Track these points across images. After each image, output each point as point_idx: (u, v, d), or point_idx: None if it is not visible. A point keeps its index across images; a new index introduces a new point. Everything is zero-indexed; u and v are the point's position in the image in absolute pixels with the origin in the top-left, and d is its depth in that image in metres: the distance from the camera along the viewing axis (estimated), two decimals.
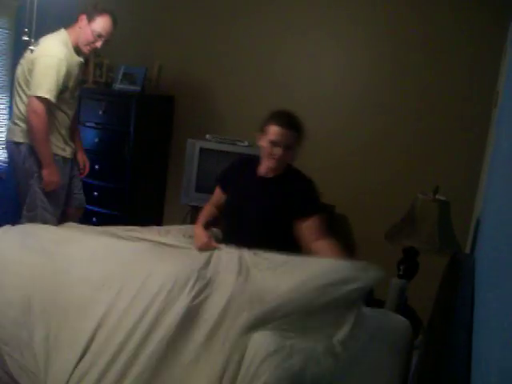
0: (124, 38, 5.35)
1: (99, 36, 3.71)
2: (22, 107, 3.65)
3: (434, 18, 4.23)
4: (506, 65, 3.24)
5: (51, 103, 3.55)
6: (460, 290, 2.28)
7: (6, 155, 5.14)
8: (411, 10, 4.29)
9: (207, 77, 5.13)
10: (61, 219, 3.87)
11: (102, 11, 3.69)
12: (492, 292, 1.45)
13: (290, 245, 2.96)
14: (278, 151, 2.99)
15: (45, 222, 3.64)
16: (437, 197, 3.39)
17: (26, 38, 2.80)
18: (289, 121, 3.01)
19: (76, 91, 3.91)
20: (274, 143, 3.00)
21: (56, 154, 3.78)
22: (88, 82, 5.18)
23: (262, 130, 3.09)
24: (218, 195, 3.38)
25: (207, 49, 5.10)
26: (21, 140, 3.70)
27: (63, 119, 3.83)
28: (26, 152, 3.70)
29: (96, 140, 4.95)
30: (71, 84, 3.74)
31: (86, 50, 3.77)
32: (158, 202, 5.41)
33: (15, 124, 3.72)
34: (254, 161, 3.23)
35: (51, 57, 3.52)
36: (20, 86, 3.66)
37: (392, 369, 2.25)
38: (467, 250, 3.62)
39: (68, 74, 3.64)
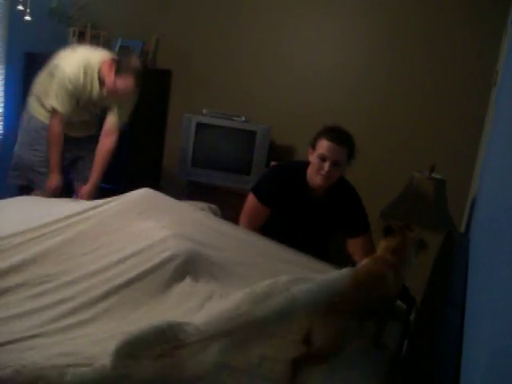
0: (121, 11, 5.32)
1: (118, 91, 3.75)
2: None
3: None
4: (506, 44, 3.22)
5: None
6: (454, 269, 2.29)
7: (2, 128, 5.14)
8: None
9: (205, 51, 5.08)
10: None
11: (129, 71, 3.71)
12: (485, 271, 1.46)
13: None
14: (326, 167, 2.91)
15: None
16: (433, 175, 3.38)
17: (21, 8, 2.77)
18: (339, 136, 2.93)
19: (91, 107, 3.99)
20: (322, 158, 2.92)
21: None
22: None
23: (313, 145, 3.00)
24: (255, 206, 3.13)
25: (205, 23, 5.05)
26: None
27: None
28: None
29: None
30: (82, 101, 3.84)
31: (105, 92, 3.82)
32: (154, 177, 5.39)
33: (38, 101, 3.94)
34: (300, 174, 3.05)
35: (63, 74, 3.76)
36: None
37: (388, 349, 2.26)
38: (462, 230, 3.63)
39: (77, 93, 3.76)
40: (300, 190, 3.04)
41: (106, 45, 5.18)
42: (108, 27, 5.23)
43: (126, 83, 3.71)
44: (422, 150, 4.31)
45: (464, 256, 2.43)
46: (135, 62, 3.77)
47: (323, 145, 2.92)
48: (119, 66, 3.71)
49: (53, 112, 3.77)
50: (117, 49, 5.04)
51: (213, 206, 3.37)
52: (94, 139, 4.06)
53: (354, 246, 3.03)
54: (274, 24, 4.77)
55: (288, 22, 4.73)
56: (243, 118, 4.59)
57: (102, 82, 3.78)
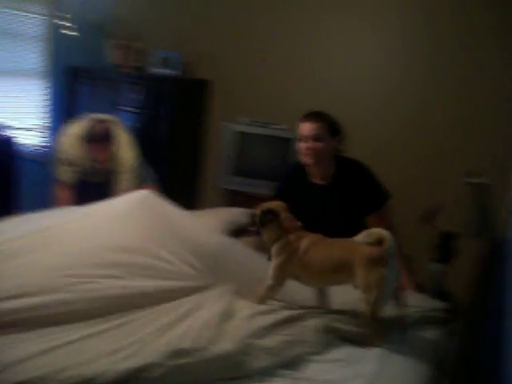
0: (160, 23, 5.39)
1: (94, 159, 3.93)
2: None
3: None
4: None
5: None
6: (498, 276, 2.26)
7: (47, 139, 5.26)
8: None
9: (242, 60, 5.11)
10: None
11: (93, 138, 3.85)
12: None
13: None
14: (308, 145, 3.01)
15: None
16: (474, 180, 3.34)
17: (65, 24, 2.84)
18: (311, 114, 3.05)
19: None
20: (304, 139, 3.03)
21: None
22: (125, 67, 5.23)
23: (298, 136, 3.12)
24: None
25: (242, 32, 5.08)
26: None
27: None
28: None
29: (133, 124, 4.99)
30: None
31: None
32: (194, 186, 5.43)
33: None
34: (300, 168, 3.17)
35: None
36: None
37: (428, 352, 2.25)
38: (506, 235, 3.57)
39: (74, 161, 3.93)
40: (302, 180, 3.15)
41: (146, 56, 5.27)
42: (147, 39, 5.31)
43: (93, 150, 3.85)
44: (462, 154, 4.25)
45: (508, 261, 2.39)
46: (98, 127, 3.84)
47: (301, 128, 3.06)
48: (85, 135, 3.85)
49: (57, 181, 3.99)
50: (156, 60, 5.12)
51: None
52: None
53: (371, 222, 3.03)
54: (311, 32, 4.76)
55: (325, 31, 4.71)
56: (282, 126, 4.60)
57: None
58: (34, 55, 5.05)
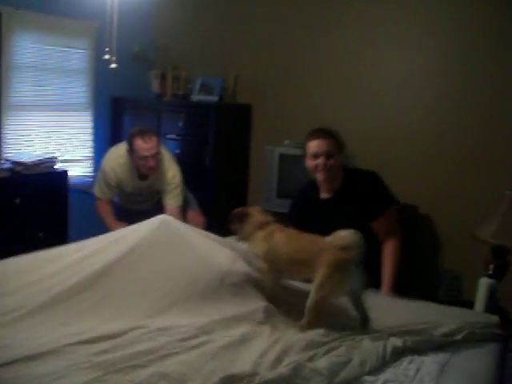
0: (200, 50, 5.46)
1: (145, 157, 3.86)
2: None
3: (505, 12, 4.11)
4: None
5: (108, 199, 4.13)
6: None
7: (92, 169, 5.35)
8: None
9: (282, 83, 5.13)
10: None
11: (136, 137, 3.87)
12: None
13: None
14: (321, 161, 3.04)
15: None
16: None
17: (107, 57, 2.89)
18: (321, 132, 3.12)
19: (140, 196, 4.19)
20: (315, 156, 3.07)
21: None
22: (167, 96, 5.30)
23: (304, 153, 3.18)
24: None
25: (281, 56, 5.11)
26: None
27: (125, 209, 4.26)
28: None
29: (177, 151, 5.04)
30: (126, 190, 4.10)
31: (145, 172, 3.99)
32: None
33: None
34: (311, 185, 3.25)
35: (105, 162, 4.09)
36: None
37: (485, 370, 2.19)
38: None
39: (119, 183, 4.04)
40: (313, 198, 3.21)
41: (187, 84, 5.34)
42: (188, 67, 5.38)
43: (139, 162, 3.88)
44: (502, 169, 4.18)
45: None
46: (140, 143, 3.84)
47: (311, 145, 3.11)
48: (129, 149, 3.92)
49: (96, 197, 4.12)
50: (198, 87, 5.18)
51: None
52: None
53: (376, 227, 3.06)
54: (351, 52, 4.77)
55: (364, 51, 4.71)
56: None
57: (142, 175, 4.03)
58: (79, 88, 5.16)
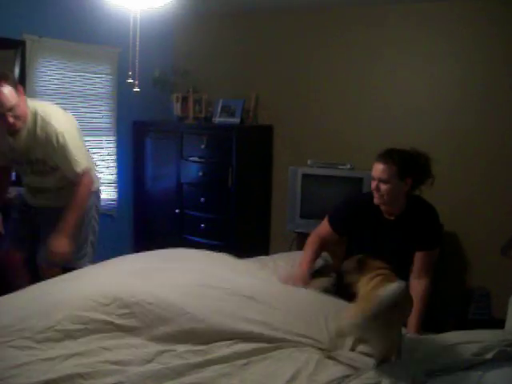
0: (220, 73, 5.51)
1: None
2: None
3: None
4: None
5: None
6: None
7: (115, 193, 5.38)
8: None
9: (303, 103, 5.14)
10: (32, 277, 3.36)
11: None
12: None
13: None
14: (376, 186, 2.97)
15: None
16: None
17: (131, 81, 2.91)
18: (384, 155, 2.99)
19: (24, 165, 3.37)
20: (372, 178, 3.01)
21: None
22: (188, 119, 5.34)
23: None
24: (329, 232, 3.23)
25: (301, 76, 5.13)
26: None
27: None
28: None
29: (200, 173, 5.07)
30: (2, 150, 3.33)
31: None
32: (263, 230, 5.44)
33: None
34: (371, 201, 3.09)
35: None
36: None
37: None
38: None
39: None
40: (373, 215, 3.08)
41: (209, 106, 5.37)
42: (209, 89, 5.42)
43: None
44: None
45: None
46: None
47: (373, 167, 3.01)
48: None
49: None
50: (219, 109, 5.21)
51: (323, 253, 3.38)
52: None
53: (416, 260, 3.03)
54: (369, 72, 4.78)
55: (383, 70, 4.72)
56: (348, 166, 4.57)
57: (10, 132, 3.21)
58: (102, 113, 5.21)
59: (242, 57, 5.44)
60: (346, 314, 2.25)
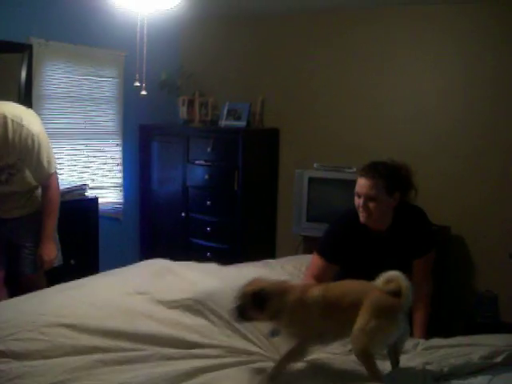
0: (227, 76, 5.50)
1: None
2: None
3: None
4: None
5: None
6: None
7: (122, 196, 5.38)
8: None
9: (309, 106, 5.13)
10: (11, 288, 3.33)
11: None
12: None
13: None
14: (362, 203, 2.82)
15: None
16: None
17: (138, 84, 2.91)
18: (370, 170, 2.83)
19: None
20: (357, 195, 2.86)
21: None
22: (195, 122, 5.34)
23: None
24: (323, 266, 2.98)
25: (307, 79, 5.12)
26: None
27: None
28: None
29: (206, 177, 5.06)
30: None
31: None
32: (269, 234, 5.43)
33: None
34: (357, 220, 2.93)
35: None
36: None
37: None
38: None
39: None
40: (362, 234, 2.92)
41: (215, 110, 5.37)
42: (215, 92, 5.42)
43: None
44: None
45: None
46: None
47: (357, 182, 2.87)
48: None
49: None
50: (225, 112, 5.20)
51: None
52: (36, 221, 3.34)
53: (415, 266, 2.94)
54: (376, 75, 4.76)
55: (390, 73, 4.71)
56: (354, 169, 4.55)
57: None
58: (108, 116, 5.22)
59: (248, 60, 5.44)
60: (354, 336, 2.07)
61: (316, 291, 2.14)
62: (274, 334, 2.24)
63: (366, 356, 2.05)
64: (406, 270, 2.86)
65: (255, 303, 2.05)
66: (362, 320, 2.05)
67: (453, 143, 4.48)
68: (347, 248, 2.95)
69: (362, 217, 2.86)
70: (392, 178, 2.82)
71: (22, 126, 3.02)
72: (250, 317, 2.11)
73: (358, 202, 2.84)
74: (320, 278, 2.91)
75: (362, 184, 2.81)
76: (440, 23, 4.46)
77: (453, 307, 4.28)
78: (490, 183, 4.34)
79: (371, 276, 2.60)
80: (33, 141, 3.06)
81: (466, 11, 4.33)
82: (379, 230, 2.91)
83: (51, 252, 3.32)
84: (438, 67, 4.52)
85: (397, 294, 2.08)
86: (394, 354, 2.20)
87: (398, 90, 4.70)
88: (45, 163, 3.18)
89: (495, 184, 4.32)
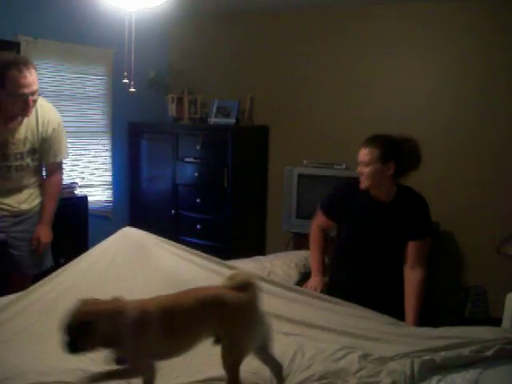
0: (215, 74, 5.50)
1: (23, 95, 2.99)
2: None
3: None
4: None
5: None
6: None
7: (111, 194, 5.37)
8: None
9: (298, 104, 5.15)
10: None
11: (10, 69, 2.95)
12: None
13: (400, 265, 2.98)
14: (358, 169, 3.01)
15: None
16: None
17: (127, 81, 2.90)
18: (369, 139, 3.01)
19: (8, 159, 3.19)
20: (359, 163, 3.02)
21: None
22: (184, 119, 5.33)
23: None
24: (323, 220, 3.26)
25: (296, 77, 5.14)
26: None
27: None
28: None
29: (195, 174, 5.06)
30: None
31: (18, 113, 3.09)
32: (259, 231, 5.44)
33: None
34: (358, 186, 3.10)
35: None
36: None
37: None
38: None
39: None
40: (363, 199, 3.06)
41: (204, 107, 5.37)
42: (204, 90, 5.42)
43: (12, 100, 2.98)
44: None
45: None
46: (17, 76, 2.94)
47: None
48: None
49: None
50: (214, 110, 5.20)
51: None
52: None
53: (409, 249, 2.99)
54: (365, 72, 4.79)
55: (379, 70, 4.73)
56: (344, 166, 4.57)
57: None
58: (97, 115, 5.21)
59: (237, 57, 5.44)
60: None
61: (152, 307, 1.92)
62: (118, 361, 1.95)
63: (236, 367, 1.93)
64: (396, 245, 2.98)
65: (85, 334, 1.80)
66: (224, 331, 1.93)
67: (443, 141, 4.50)
68: (345, 208, 3.12)
69: (360, 182, 3.01)
70: (387, 147, 2.96)
71: (50, 110, 3.28)
72: (83, 349, 1.85)
73: (358, 169, 3.02)
74: (323, 228, 3.27)
75: (360, 152, 3.00)
76: (432, 21, 4.49)
77: (442, 302, 4.30)
78: (480, 181, 4.38)
79: (365, 239, 2.94)
80: (58, 127, 3.30)
81: (459, 9, 4.36)
82: (381, 201, 3.03)
83: (48, 235, 3.39)
84: (430, 65, 4.55)
85: (243, 288, 1.96)
86: (270, 358, 2.07)
87: (389, 87, 4.73)
88: (63, 149, 3.38)
89: (484, 181, 4.36)
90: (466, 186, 4.43)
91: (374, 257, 3.01)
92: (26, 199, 3.32)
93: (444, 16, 4.43)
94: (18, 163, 3.20)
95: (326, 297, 2.90)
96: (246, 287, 1.95)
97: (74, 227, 4.55)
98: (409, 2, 4.49)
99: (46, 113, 3.23)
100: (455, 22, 4.41)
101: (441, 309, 4.25)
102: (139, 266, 2.88)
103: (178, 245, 3.21)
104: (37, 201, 3.38)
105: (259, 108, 5.33)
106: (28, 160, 3.23)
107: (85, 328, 1.79)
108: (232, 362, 1.91)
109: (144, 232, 3.22)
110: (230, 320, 1.91)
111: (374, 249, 3.01)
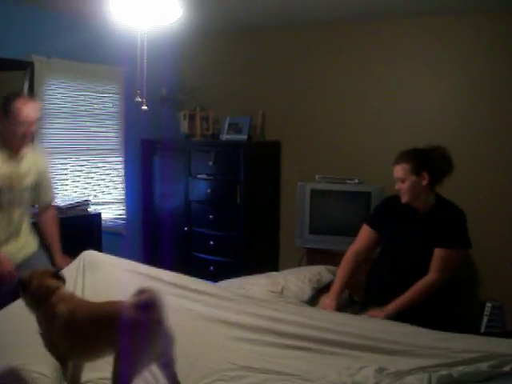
0: (227, 90, 5.52)
1: (27, 123, 3.05)
2: None
3: None
4: None
5: None
6: None
7: (124, 211, 5.39)
8: None
9: (310, 119, 5.16)
10: None
11: (15, 100, 3.03)
12: None
13: None
14: (398, 186, 3.12)
15: None
16: None
17: (139, 99, 2.92)
18: (397, 157, 3.15)
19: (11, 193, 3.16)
20: (395, 180, 3.14)
21: None
22: (196, 136, 5.35)
23: None
24: (366, 235, 3.32)
25: (307, 92, 5.15)
26: None
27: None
28: None
29: (208, 191, 5.07)
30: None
31: (20, 140, 3.10)
32: (272, 247, 5.43)
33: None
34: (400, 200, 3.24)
35: None
36: None
37: None
38: None
39: None
40: (405, 211, 3.19)
41: (216, 124, 5.39)
42: (216, 107, 5.44)
43: (16, 129, 3.02)
44: None
45: None
46: (22, 105, 3.02)
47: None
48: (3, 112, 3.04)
49: None
50: (226, 126, 5.22)
51: (330, 267, 3.45)
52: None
53: (434, 254, 3.06)
54: (377, 86, 4.79)
55: (390, 84, 4.73)
56: (356, 180, 4.57)
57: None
58: (110, 132, 5.24)
59: (248, 74, 5.46)
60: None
61: (64, 307, 2.03)
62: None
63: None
64: (426, 252, 3.04)
65: (23, 286, 2.14)
66: (112, 348, 1.96)
67: (454, 152, 4.46)
68: (385, 218, 3.28)
69: (402, 199, 3.14)
70: (417, 159, 3.09)
71: (41, 153, 3.40)
72: (24, 296, 2.15)
73: (396, 186, 3.15)
74: (359, 252, 3.29)
75: (394, 170, 3.14)
76: (440, 34, 4.49)
77: (457, 317, 4.25)
78: (495, 192, 4.34)
79: (399, 245, 3.09)
80: (47, 167, 3.44)
81: (466, 22, 4.37)
82: (418, 211, 3.16)
83: (68, 261, 3.36)
84: (439, 78, 4.54)
85: (148, 305, 1.96)
86: (172, 377, 2.09)
87: (399, 100, 4.72)
88: (53, 190, 3.51)
89: (499, 193, 4.33)
90: (478, 198, 4.39)
91: (405, 262, 3.10)
92: (23, 245, 3.30)
93: (451, 29, 4.44)
94: (20, 198, 3.18)
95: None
96: (150, 305, 1.95)
97: (88, 244, 4.52)
98: (419, 16, 4.50)
99: (38, 150, 3.39)
100: (462, 35, 4.41)
101: (456, 323, 4.19)
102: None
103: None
104: (33, 246, 3.40)
105: (271, 124, 5.34)
106: (27, 196, 3.23)
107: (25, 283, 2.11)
108: (118, 378, 1.92)
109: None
110: (118, 338, 1.92)
111: (406, 255, 3.11)
